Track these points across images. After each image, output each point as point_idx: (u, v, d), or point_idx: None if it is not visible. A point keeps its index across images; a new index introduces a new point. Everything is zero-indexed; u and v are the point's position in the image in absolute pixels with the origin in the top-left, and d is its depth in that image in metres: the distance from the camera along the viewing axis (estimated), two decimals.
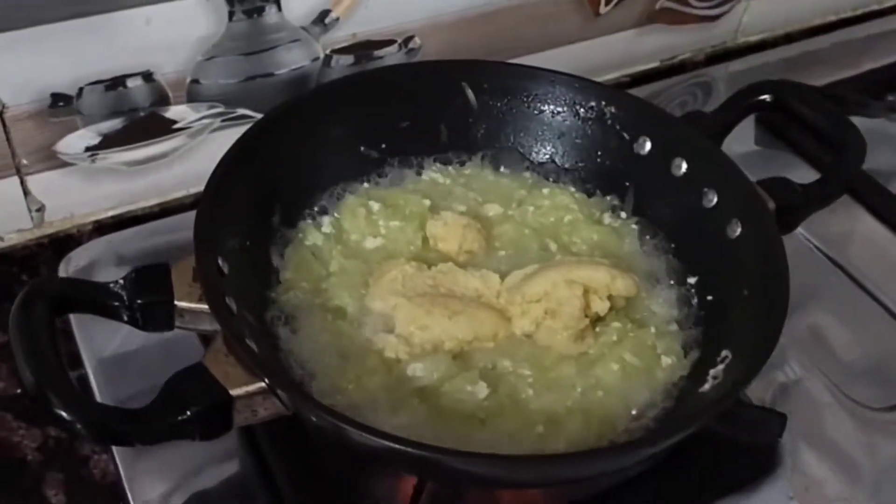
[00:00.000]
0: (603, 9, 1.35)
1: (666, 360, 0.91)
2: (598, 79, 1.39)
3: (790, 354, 1.06)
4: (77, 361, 1.01)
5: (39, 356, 0.76)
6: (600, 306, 0.92)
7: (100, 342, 1.02)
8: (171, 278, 0.85)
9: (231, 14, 1.08)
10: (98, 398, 0.98)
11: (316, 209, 1.02)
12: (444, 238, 0.98)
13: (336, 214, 1.02)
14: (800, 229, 1.14)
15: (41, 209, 1.13)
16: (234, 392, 0.78)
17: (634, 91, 1.39)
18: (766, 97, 1.02)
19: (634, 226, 1.03)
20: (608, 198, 1.06)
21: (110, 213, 1.18)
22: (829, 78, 1.40)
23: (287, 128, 0.99)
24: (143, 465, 0.93)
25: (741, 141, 1.27)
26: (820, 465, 0.97)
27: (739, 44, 1.57)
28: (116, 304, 0.84)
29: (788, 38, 1.60)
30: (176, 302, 0.85)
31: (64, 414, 0.74)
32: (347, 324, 0.92)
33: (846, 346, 1.10)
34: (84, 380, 1.00)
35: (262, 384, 0.78)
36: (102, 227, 1.17)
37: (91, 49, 1.03)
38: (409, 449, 0.72)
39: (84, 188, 1.13)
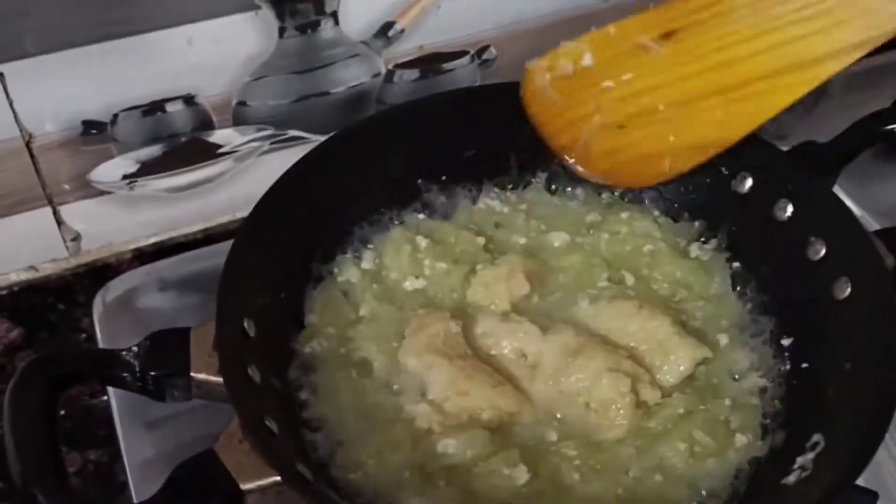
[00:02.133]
0: None
1: (741, 440, 0.79)
2: None
3: None
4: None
5: (31, 448, 0.69)
6: (651, 396, 0.80)
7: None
8: (190, 346, 0.77)
9: (282, 30, 0.98)
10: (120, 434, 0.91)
11: (357, 241, 0.92)
12: (487, 298, 0.88)
13: (377, 248, 0.92)
14: None
15: (77, 238, 1.05)
16: (245, 486, 0.70)
17: None
18: (891, 126, 0.87)
19: (726, 262, 0.91)
20: (697, 223, 0.94)
21: (151, 241, 1.10)
22: None
23: (334, 166, 0.90)
24: None
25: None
26: None
27: None
28: (126, 374, 0.76)
29: None
30: (192, 374, 0.76)
31: None
32: (372, 382, 0.82)
33: None
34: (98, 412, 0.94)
35: (277, 478, 0.69)
36: (143, 255, 1.10)
37: (125, 73, 0.95)
38: None
39: (122, 216, 1.06)
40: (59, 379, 0.74)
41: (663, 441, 0.78)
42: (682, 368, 0.82)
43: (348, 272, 0.90)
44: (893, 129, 0.87)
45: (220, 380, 0.73)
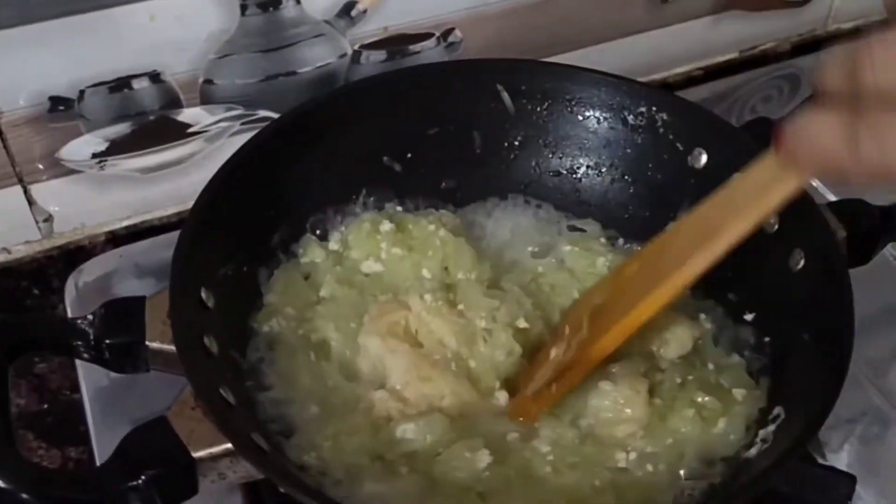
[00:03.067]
0: None
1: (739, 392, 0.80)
2: (667, 73, 1.29)
3: (871, 394, 0.92)
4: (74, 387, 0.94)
5: None
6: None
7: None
8: (146, 314, 0.77)
9: (244, 8, 0.98)
10: (92, 432, 0.90)
11: (326, 225, 0.93)
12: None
13: (342, 229, 0.92)
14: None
15: (49, 219, 1.05)
16: (197, 454, 0.69)
17: (709, 86, 1.27)
18: None
19: None
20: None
21: (125, 223, 1.10)
22: None
23: (298, 137, 0.90)
24: None
25: None
26: None
27: (831, 31, 1.39)
28: (80, 343, 0.76)
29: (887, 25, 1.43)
30: (147, 342, 0.76)
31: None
32: (332, 366, 0.82)
33: None
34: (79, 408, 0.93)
35: (229, 446, 0.69)
36: (117, 238, 1.10)
37: (91, 48, 0.95)
38: None
39: (94, 197, 1.06)
40: (11, 346, 0.74)
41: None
42: (683, 346, 0.83)
43: (312, 252, 0.90)
44: None
45: (174, 348, 0.73)
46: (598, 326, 0.78)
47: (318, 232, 0.92)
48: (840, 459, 0.88)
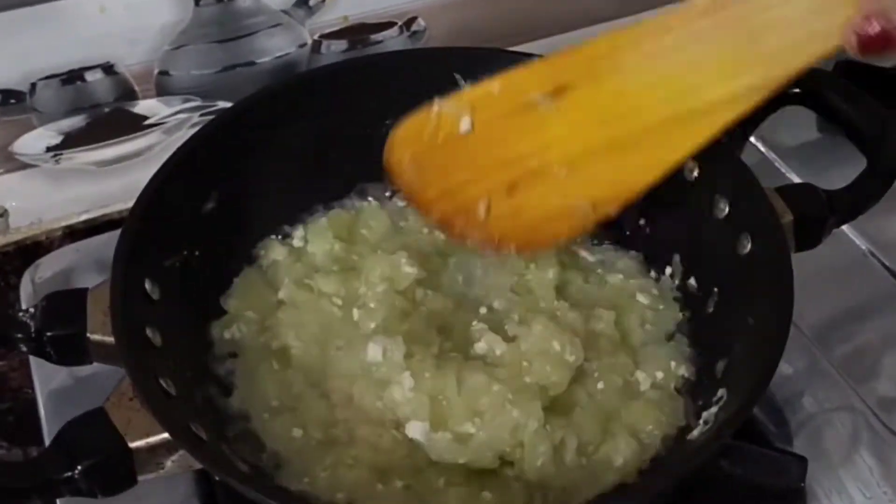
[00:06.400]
0: None
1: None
2: None
3: (829, 382, 0.91)
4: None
5: None
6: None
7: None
8: (87, 306, 0.76)
9: None
10: (45, 430, 0.89)
11: (282, 220, 0.92)
12: None
13: (301, 229, 0.92)
14: (854, 235, 1.01)
15: (4, 214, 1.04)
16: (133, 444, 0.68)
17: None
18: (794, 89, 0.86)
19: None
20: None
21: (83, 217, 1.08)
22: None
23: (249, 127, 0.88)
24: None
25: (802, 128, 1.11)
26: None
27: None
28: (21, 335, 0.75)
29: None
30: (89, 335, 0.75)
31: None
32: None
33: None
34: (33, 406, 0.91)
35: (166, 436, 0.68)
36: (75, 233, 1.08)
37: (41, 41, 0.94)
38: None
39: (51, 191, 1.04)
40: None
41: None
42: None
43: (273, 252, 0.89)
44: (797, 91, 0.86)
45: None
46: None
47: (278, 231, 0.91)
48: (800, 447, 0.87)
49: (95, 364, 0.77)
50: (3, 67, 0.94)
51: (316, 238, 0.89)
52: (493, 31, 1.14)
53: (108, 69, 0.98)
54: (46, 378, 0.92)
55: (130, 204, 1.05)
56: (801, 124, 1.09)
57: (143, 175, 1.03)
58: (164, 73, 1.01)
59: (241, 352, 0.83)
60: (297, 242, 0.90)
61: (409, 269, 0.83)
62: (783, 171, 1.06)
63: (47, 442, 0.86)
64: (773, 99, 0.84)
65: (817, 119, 1.13)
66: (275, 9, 1.02)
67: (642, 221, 0.90)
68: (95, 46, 0.96)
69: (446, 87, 0.92)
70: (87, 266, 1.02)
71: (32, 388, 0.93)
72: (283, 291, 0.85)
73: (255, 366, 0.82)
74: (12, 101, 0.96)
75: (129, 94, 1.01)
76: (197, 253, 0.84)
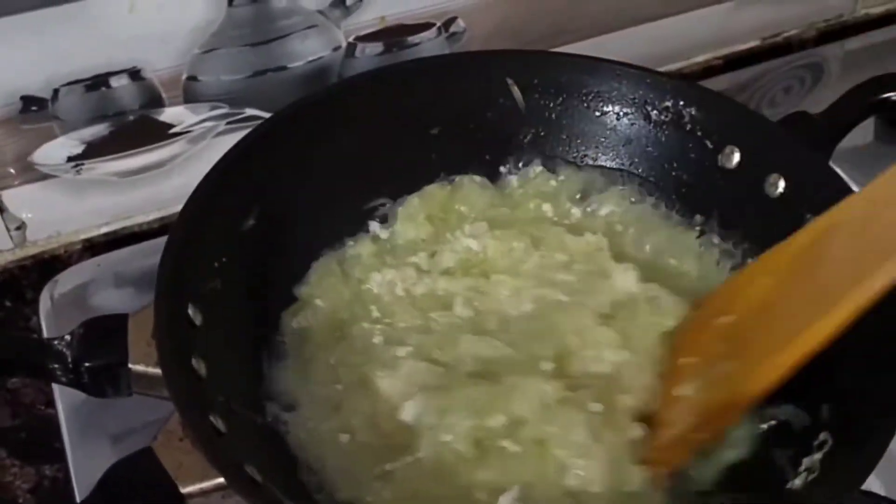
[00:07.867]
0: None
1: None
2: (684, 62, 1.24)
3: None
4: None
5: None
6: None
7: None
8: (128, 334, 0.70)
9: None
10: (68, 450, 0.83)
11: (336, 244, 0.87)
12: None
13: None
14: None
15: (21, 227, 0.99)
16: (185, 489, 0.64)
17: (729, 76, 1.21)
18: (893, 94, 0.81)
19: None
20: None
21: (103, 230, 1.03)
22: None
23: (287, 139, 0.83)
24: None
25: (856, 133, 1.06)
26: None
27: (859, 17, 1.33)
28: (58, 366, 0.70)
29: None
30: (131, 365, 0.70)
31: None
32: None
33: None
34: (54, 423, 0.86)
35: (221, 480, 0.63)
36: (95, 247, 1.03)
37: (65, 44, 0.89)
38: None
39: (70, 203, 0.99)
40: None
41: None
42: None
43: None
44: (890, 96, 0.81)
45: (159, 372, 0.66)
46: (747, 356, 0.70)
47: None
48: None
49: None
50: (25, 72, 0.89)
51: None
52: (534, 33, 1.10)
53: (134, 74, 0.93)
54: (68, 394, 0.85)
55: (152, 216, 1.04)
56: (856, 129, 1.05)
57: (166, 186, 1.02)
58: (192, 78, 0.96)
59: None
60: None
61: None
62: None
63: (70, 459, 0.83)
64: (864, 104, 0.80)
65: (875, 124, 1.10)
66: (310, 9, 0.96)
67: None
68: (122, 49, 0.91)
69: (496, 93, 0.88)
70: (107, 281, 0.98)
71: (45, 405, 0.90)
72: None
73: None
74: (34, 108, 0.91)
75: (156, 101, 0.96)
76: (238, 273, 0.78)
